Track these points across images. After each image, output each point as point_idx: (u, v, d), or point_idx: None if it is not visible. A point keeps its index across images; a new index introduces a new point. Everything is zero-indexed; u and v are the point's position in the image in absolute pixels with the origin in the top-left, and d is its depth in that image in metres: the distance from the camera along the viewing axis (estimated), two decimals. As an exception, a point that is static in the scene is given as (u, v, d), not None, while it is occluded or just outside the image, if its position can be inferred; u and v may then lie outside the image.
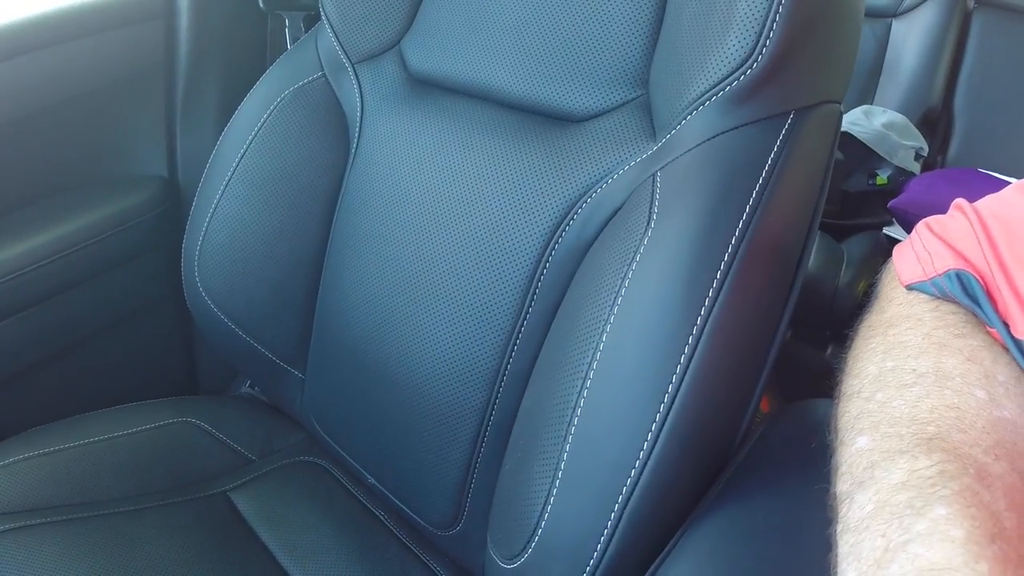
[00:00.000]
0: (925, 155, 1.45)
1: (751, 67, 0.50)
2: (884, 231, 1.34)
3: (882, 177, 1.42)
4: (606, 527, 0.49)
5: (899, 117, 1.46)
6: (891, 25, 1.60)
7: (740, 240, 0.50)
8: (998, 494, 0.34)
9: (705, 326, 0.49)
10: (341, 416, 0.80)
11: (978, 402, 0.39)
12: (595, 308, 0.53)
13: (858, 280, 1.14)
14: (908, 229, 1.27)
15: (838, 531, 0.37)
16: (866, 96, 1.63)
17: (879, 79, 1.60)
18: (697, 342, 0.48)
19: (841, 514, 0.37)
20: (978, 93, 1.53)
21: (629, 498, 0.49)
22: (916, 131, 1.45)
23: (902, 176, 1.42)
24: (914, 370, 0.42)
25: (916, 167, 1.44)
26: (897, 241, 1.31)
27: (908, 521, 0.32)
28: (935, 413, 0.38)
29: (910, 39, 1.57)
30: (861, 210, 1.40)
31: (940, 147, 1.55)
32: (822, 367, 1.19)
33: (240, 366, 0.98)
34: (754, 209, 0.51)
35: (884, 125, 1.43)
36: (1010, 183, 1.23)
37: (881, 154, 1.41)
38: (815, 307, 1.13)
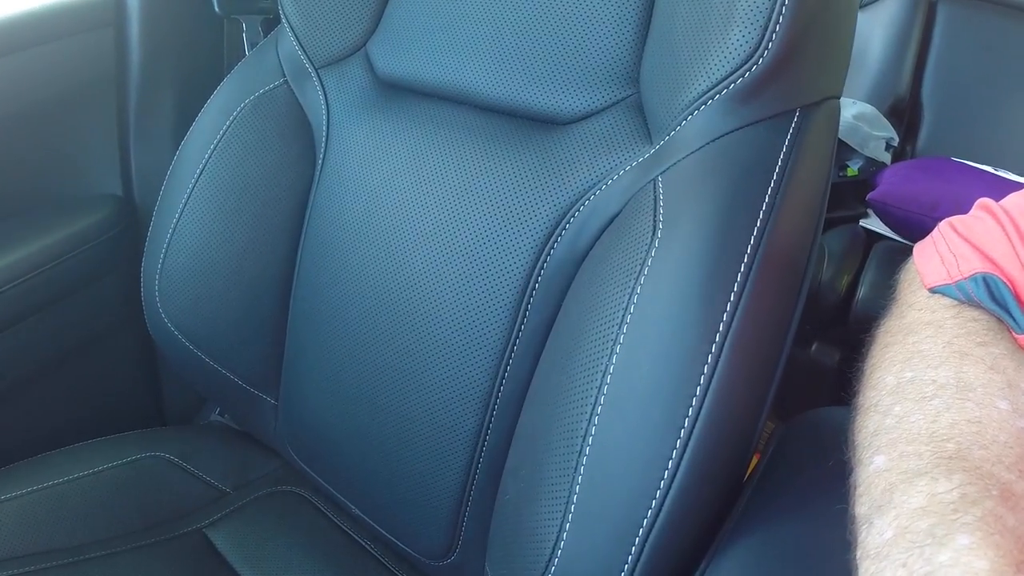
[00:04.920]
0: (895, 145, 1.45)
1: (756, 63, 0.47)
2: (861, 223, 1.34)
3: (852, 168, 1.41)
4: (626, 563, 0.46)
5: (869, 108, 1.45)
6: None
7: (756, 249, 0.47)
8: (1023, 516, 0.32)
9: (724, 343, 0.45)
10: (320, 444, 0.76)
11: (1000, 414, 0.37)
12: (601, 326, 0.49)
13: (840, 275, 1.13)
14: (887, 221, 1.27)
15: (858, 556, 0.35)
16: (833, 88, 1.63)
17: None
18: (717, 361, 0.45)
19: (860, 539, 0.36)
20: (945, 82, 1.54)
21: (649, 532, 0.45)
22: (886, 122, 1.45)
23: (873, 167, 1.42)
24: (934, 381, 0.40)
25: (887, 157, 1.43)
26: (875, 233, 1.31)
27: (930, 551, 0.31)
28: (955, 428, 0.37)
29: (876, 30, 1.57)
30: (834, 202, 1.39)
31: (909, 137, 1.55)
32: (807, 363, 1.18)
33: (208, 394, 0.94)
34: (767, 215, 0.48)
35: (855, 116, 1.42)
36: (985, 171, 1.21)
37: (852, 146, 1.40)
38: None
